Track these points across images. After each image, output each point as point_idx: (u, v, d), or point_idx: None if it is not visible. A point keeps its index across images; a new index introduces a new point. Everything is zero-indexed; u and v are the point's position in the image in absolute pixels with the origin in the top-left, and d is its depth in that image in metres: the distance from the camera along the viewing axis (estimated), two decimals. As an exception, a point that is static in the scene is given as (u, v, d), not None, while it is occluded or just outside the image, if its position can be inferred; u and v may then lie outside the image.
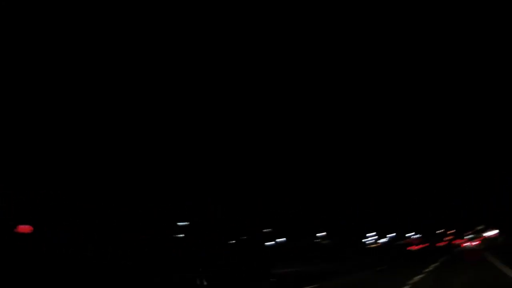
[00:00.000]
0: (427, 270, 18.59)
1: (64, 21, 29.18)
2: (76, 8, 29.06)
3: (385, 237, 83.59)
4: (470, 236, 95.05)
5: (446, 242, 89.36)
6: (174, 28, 45.00)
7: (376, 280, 15.79)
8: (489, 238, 77.97)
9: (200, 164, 43.28)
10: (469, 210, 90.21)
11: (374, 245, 76.58)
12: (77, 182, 26.95)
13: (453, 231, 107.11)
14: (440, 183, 77.73)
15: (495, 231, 78.53)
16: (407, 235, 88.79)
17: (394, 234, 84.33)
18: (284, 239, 47.16)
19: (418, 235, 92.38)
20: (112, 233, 20.36)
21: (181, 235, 27.98)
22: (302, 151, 55.56)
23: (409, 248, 68.11)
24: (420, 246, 77.13)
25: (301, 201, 53.87)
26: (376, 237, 79.69)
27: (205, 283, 12.94)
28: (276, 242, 45.51)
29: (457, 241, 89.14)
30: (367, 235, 76.92)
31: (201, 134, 47.49)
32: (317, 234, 57.79)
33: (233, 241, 38.18)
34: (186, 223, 32.48)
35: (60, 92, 28.88)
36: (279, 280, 16.22)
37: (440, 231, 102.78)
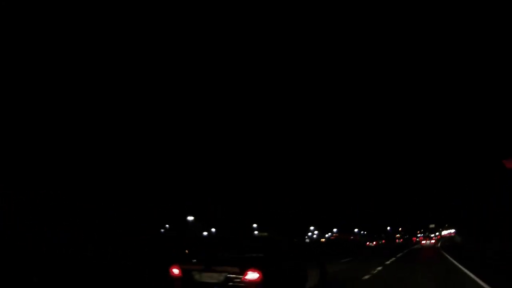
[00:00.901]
0: (387, 262, 18.88)
1: (64, 21, 29.22)
2: (76, 8, 29.10)
3: (330, 232, 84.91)
4: (424, 234, 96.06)
5: (402, 240, 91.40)
6: (174, 28, 45.11)
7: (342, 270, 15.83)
8: (446, 237, 78.01)
9: (200, 164, 43.40)
10: (420, 210, 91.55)
11: (321, 240, 77.76)
12: (77, 182, 27.00)
13: (404, 228, 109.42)
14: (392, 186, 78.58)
15: (451, 230, 78.29)
16: (356, 230, 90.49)
17: (336, 230, 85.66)
18: (214, 229, 46.50)
19: (363, 232, 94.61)
20: (112, 233, 20.40)
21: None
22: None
23: (368, 244, 69.46)
24: (377, 242, 78.37)
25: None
26: (317, 232, 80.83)
27: None
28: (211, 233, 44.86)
29: (415, 239, 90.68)
30: (310, 228, 77.86)
31: (201, 135, 47.59)
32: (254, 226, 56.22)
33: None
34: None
35: (60, 92, 28.93)
36: None
37: (389, 228, 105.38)
